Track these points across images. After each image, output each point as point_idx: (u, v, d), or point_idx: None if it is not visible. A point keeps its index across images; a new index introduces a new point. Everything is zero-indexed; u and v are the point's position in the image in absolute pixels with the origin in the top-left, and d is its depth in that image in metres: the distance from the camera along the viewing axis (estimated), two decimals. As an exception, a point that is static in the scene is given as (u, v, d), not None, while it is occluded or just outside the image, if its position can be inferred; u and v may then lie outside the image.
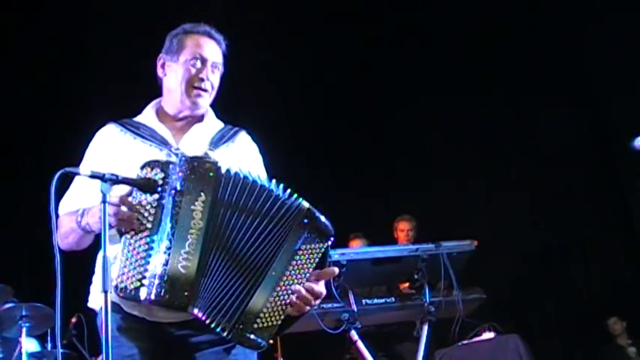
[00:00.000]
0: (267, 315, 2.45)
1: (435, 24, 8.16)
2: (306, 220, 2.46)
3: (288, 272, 2.46)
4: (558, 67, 7.99)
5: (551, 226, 8.00)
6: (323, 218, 2.49)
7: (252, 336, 2.44)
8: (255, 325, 2.44)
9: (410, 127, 8.26)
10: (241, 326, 2.43)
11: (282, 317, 2.48)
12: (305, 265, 2.48)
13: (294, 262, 2.47)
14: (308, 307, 2.51)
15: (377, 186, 8.18)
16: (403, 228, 6.90)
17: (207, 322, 2.41)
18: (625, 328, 7.81)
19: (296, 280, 2.47)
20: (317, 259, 2.50)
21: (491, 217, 8.05)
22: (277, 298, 2.46)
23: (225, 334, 2.42)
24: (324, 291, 2.53)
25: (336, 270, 2.56)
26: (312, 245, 2.48)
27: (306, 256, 2.48)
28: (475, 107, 8.19)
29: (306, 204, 2.48)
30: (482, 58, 8.03)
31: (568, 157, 8.20)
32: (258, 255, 2.44)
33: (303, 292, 2.47)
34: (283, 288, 2.46)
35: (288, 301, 2.47)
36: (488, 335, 5.46)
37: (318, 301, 2.53)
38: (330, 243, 2.51)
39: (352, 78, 8.26)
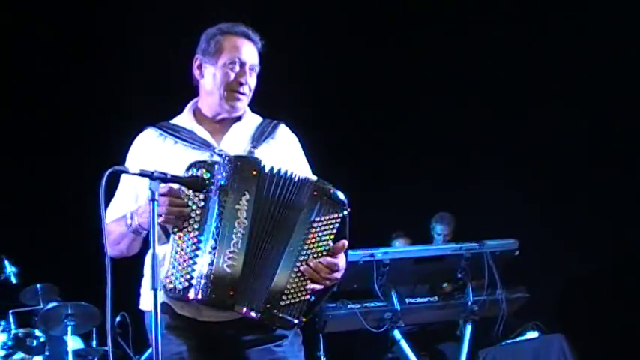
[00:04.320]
0: (291, 291, 2.46)
1: (459, 20, 8.08)
2: (315, 192, 2.48)
3: (307, 246, 2.48)
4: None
5: (598, 223, 7.88)
6: (332, 188, 2.52)
7: (280, 314, 2.46)
8: (282, 303, 2.46)
9: (450, 125, 8.18)
10: (268, 305, 2.44)
11: (307, 292, 2.49)
12: (322, 238, 2.49)
13: (311, 235, 2.48)
14: (328, 282, 2.51)
15: (419, 184, 8.12)
16: (441, 232, 6.70)
17: (246, 312, 2.43)
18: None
19: (316, 254, 2.48)
20: (334, 231, 2.50)
21: (533, 215, 7.96)
22: (299, 272, 2.47)
23: (254, 315, 2.43)
24: (340, 263, 2.52)
25: (346, 243, 2.53)
26: (327, 217, 2.49)
27: (323, 228, 2.49)
28: (514, 103, 8.11)
29: (314, 177, 2.52)
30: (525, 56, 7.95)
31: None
32: (283, 236, 2.47)
33: (314, 263, 2.47)
34: (304, 262, 2.47)
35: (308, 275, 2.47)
36: (532, 334, 5.42)
37: (338, 275, 2.52)
38: (346, 213, 2.51)
39: (392, 74, 8.21)
